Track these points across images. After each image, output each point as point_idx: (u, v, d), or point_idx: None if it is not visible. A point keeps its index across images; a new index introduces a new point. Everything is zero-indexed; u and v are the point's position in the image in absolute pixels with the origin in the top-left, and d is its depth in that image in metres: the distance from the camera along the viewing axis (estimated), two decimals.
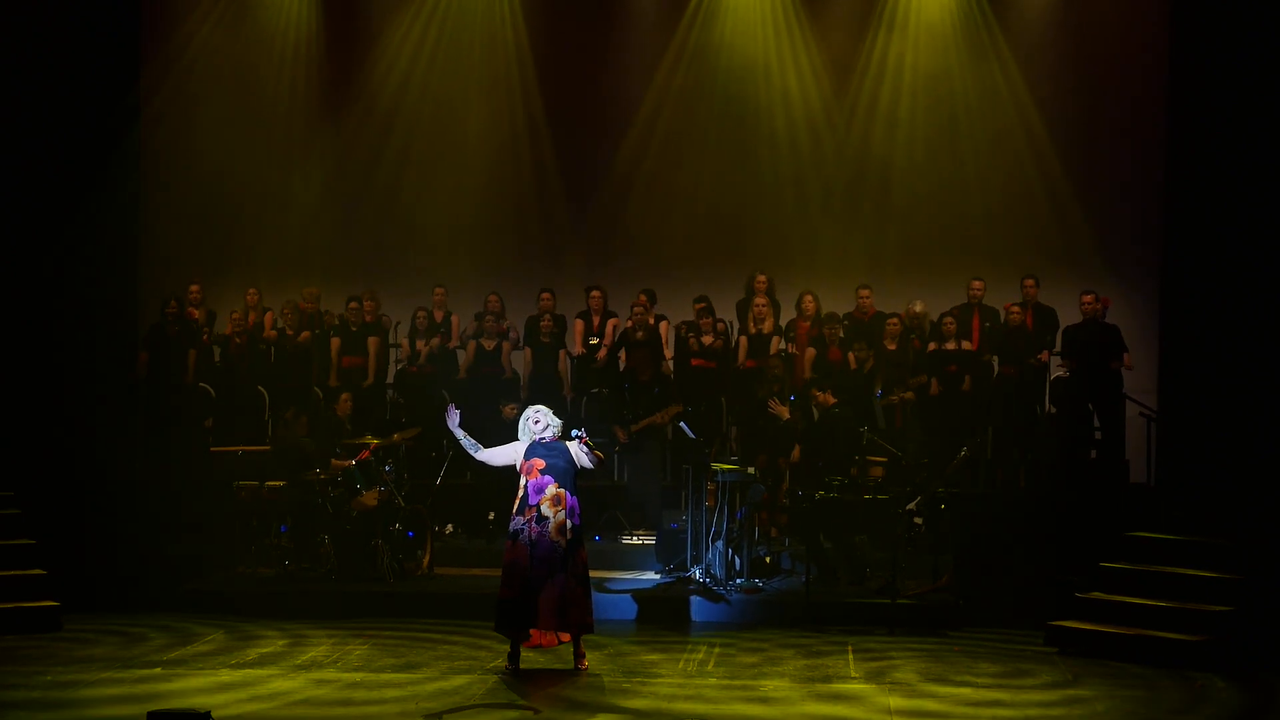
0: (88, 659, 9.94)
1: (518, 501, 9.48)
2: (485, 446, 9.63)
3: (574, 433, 9.57)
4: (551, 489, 9.42)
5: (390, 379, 14.44)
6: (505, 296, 14.45)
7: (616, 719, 8.55)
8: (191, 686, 9.15)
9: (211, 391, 13.99)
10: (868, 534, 11.94)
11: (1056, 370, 13.51)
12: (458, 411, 9.75)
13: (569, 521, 9.43)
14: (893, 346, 13.60)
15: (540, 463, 9.45)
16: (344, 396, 13.22)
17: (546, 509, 9.40)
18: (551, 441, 9.54)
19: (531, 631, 9.53)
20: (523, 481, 9.48)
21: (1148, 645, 10.18)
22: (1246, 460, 11.38)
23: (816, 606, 11.37)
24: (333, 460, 12.44)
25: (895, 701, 8.95)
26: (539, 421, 9.55)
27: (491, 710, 8.69)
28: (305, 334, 14.20)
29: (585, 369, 14.17)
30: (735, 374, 13.76)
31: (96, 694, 8.98)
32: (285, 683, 9.28)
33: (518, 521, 9.44)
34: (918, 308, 14.08)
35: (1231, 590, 10.44)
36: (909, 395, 13.32)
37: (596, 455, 9.58)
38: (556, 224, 15.94)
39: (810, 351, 13.69)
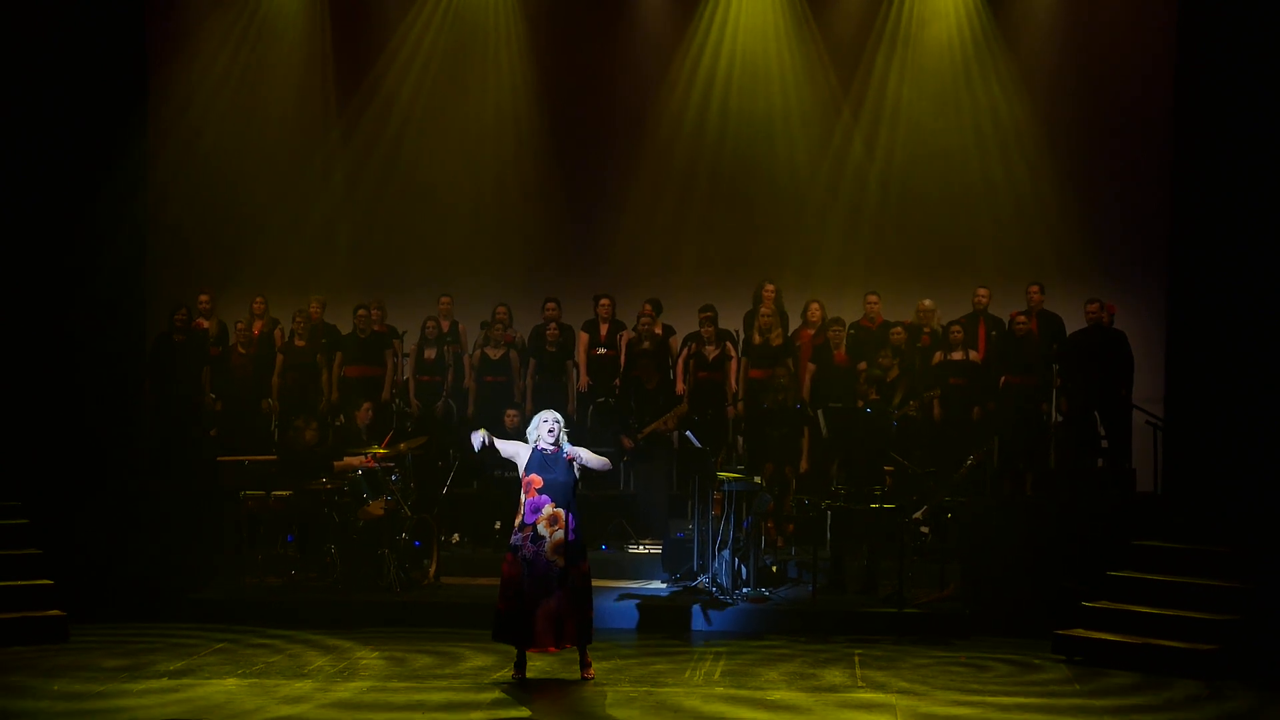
0: (95, 668, 9.94)
1: (518, 517, 9.47)
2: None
3: (564, 449, 9.48)
4: (548, 509, 9.37)
5: (398, 388, 14.40)
6: (511, 306, 14.42)
7: None
8: (198, 695, 9.15)
9: (217, 401, 13.98)
10: (874, 543, 11.93)
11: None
12: (481, 434, 9.55)
13: (567, 539, 9.39)
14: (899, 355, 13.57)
15: (538, 480, 9.40)
16: (365, 405, 13.16)
17: (543, 528, 9.36)
18: (553, 454, 9.48)
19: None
20: (522, 498, 9.46)
21: (1155, 654, 10.15)
22: (1254, 467, 11.33)
23: (823, 616, 11.37)
24: (335, 463, 12.42)
25: (902, 710, 8.94)
26: (552, 430, 9.47)
27: None
28: (314, 344, 14.16)
29: (592, 375, 14.15)
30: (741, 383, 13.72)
31: (103, 704, 8.98)
32: (291, 693, 9.28)
33: (517, 537, 9.42)
34: (927, 303, 14.01)
35: (1240, 599, 10.42)
36: (914, 406, 13.20)
37: (602, 459, 9.56)
38: (563, 233, 15.94)
39: (811, 367, 13.63)
